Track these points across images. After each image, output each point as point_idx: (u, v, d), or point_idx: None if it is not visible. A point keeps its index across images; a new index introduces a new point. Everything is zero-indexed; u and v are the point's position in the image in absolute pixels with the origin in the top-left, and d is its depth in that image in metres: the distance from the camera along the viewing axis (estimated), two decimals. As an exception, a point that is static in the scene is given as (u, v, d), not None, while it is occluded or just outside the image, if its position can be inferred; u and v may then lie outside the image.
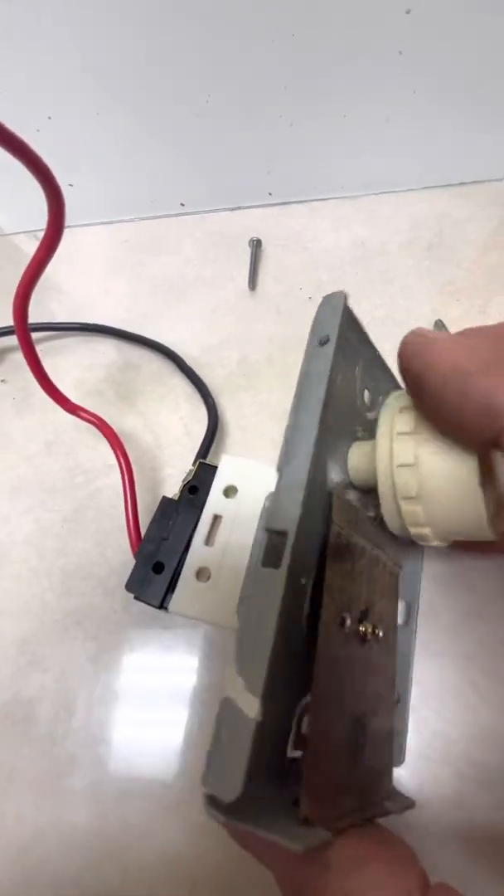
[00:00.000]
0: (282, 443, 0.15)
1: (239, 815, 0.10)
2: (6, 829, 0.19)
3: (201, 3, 0.26)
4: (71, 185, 0.34)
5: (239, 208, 0.36)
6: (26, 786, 0.20)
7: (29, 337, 0.21)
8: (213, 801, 0.10)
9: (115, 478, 0.26)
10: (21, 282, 0.19)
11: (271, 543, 0.13)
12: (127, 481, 0.23)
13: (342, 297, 0.16)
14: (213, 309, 0.32)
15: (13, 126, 0.13)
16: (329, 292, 0.34)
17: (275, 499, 0.14)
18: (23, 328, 0.20)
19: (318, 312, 0.17)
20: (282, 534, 0.13)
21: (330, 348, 0.15)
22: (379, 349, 0.29)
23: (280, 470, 0.14)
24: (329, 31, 0.27)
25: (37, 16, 0.27)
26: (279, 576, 0.12)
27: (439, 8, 0.26)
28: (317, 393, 0.15)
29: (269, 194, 0.35)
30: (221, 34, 0.28)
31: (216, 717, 0.11)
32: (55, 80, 0.30)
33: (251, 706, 0.11)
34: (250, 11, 0.27)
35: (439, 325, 0.28)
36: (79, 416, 0.24)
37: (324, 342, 0.16)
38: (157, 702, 0.21)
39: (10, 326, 0.30)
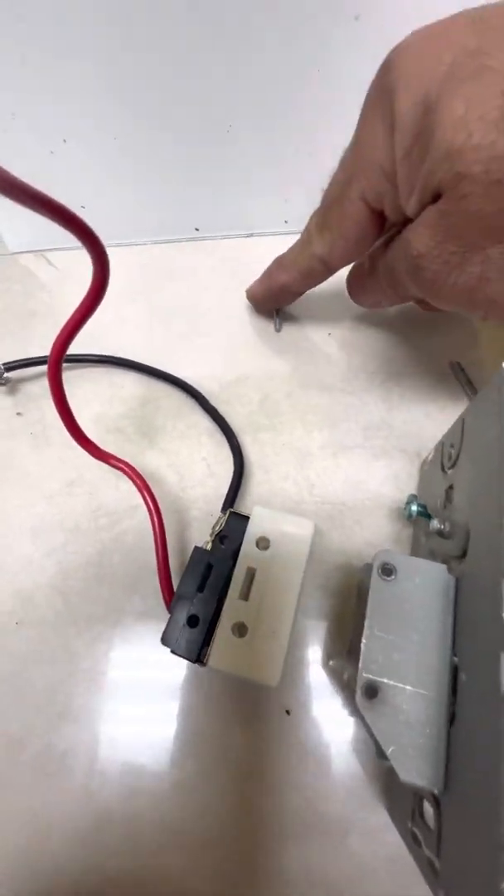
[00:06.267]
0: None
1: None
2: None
3: (226, 38, 0.26)
4: (83, 207, 0.34)
5: (253, 235, 0.36)
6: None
7: (61, 386, 0.20)
8: None
9: (139, 519, 0.26)
10: (58, 337, 0.19)
11: None
12: (158, 532, 0.22)
13: None
14: (230, 340, 0.31)
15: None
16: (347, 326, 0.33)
17: None
18: (56, 380, 0.20)
19: None
20: None
21: None
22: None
23: None
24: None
25: (62, 40, 0.26)
26: None
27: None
28: None
29: (286, 222, 0.35)
30: (247, 65, 0.27)
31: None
32: (74, 104, 0.29)
33: None
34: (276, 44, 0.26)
35: (456, 367, 0.28)
36: (109, 463, 0.24)
37: None
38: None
39: (28, 359, 0.30)
